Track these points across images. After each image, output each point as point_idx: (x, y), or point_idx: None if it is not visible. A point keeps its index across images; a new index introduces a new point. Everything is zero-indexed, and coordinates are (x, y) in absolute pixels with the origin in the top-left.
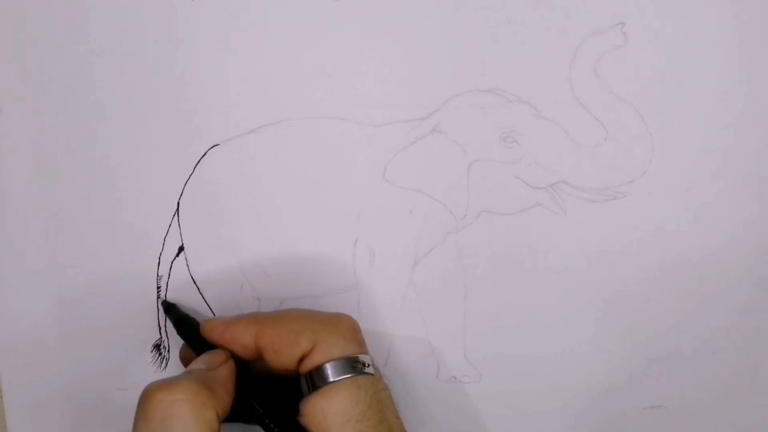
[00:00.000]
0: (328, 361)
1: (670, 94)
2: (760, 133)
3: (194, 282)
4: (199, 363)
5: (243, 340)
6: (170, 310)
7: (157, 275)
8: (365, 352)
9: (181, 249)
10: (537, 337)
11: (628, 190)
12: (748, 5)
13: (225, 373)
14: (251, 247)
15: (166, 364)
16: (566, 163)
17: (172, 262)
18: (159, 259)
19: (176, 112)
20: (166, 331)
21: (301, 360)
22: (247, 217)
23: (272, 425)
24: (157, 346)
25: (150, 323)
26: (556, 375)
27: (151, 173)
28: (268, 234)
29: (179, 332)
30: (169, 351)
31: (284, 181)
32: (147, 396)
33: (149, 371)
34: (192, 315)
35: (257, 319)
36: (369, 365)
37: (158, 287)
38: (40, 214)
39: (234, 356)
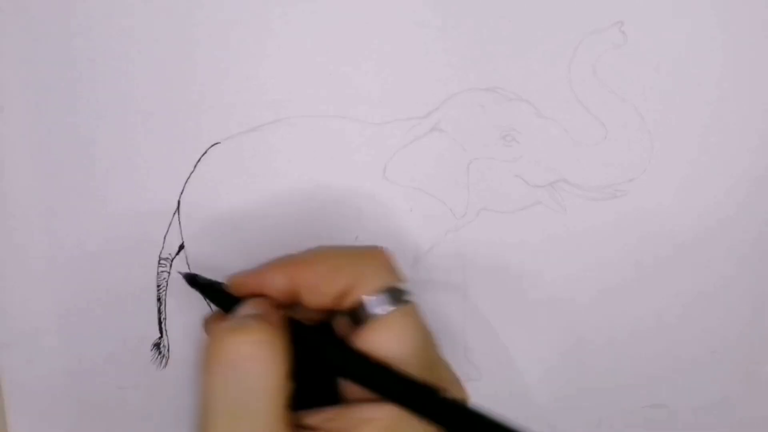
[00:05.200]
0: (373, 294)
1: (670, 92)
2: (760, 132)
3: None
4: (248, 309)
5: (278, 286)
6: (194, 281)
7: (158, 273)
8: (404, 281)
9: (181, 247)
10: (537, 335)
11: (627, 188)
12: (747, 4)
13: (280, 317)
14: (252, 245)
15: (166, 362)
16: (566, 161)
17: (172, 260)
18: (159, 257)
19: (176, 111)
20: (165, 329)
21: (339, 297)
22: (247, 215)
23: (344, 361)
24: (156, 345)
25: (150, 322)
26: (556, 374)
27: (152, 171)
28: (268, 232)
29: (212, 300)
30: (168, 350)
31: (284, 180)
32: (218, 340)
33: (149, 370)
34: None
35: (290, 260)
36: (409, 292)
37: (158, 285)
38: (40, 212)
39: None
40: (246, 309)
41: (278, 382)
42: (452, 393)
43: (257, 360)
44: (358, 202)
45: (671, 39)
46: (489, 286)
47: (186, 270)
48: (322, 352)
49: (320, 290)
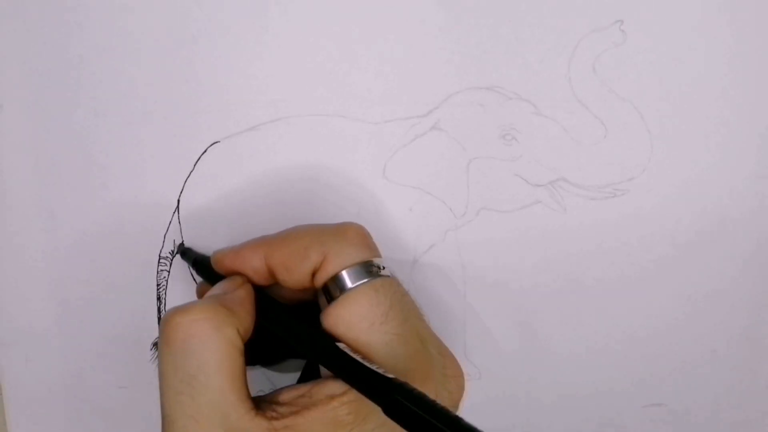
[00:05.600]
0: (341, 270)
1: (669, 91)
2: (759, 131)
3: (194, 279)
4: (216, 290)
5: (253, 264)
6: (186, 253)
7: (158, 272)
8: (378, 256)
9: (181, 246)
10: (536, 335)
11: (627, 187)
12: (747, 2)
13: (242, 294)
14: None
15: None
16: (566, 160)
17: (171, 259)
18: (159, 256)
19: (176, 110)
20: None
21: (315, 275)
22: (246, 215)
23: (298, 338)
24: (156, 344)
25: (150, 321)
26: (556, 373)
27: (151, 170)
28: (267, 231)
29: (198, 272)
30: None
31: (284, 179)
32: (166, 322)
33: (149, 369)
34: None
35: (265, 241)
36: (384, 268)
37: (158, 284)
38: (39, 211)
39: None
40: (212, 290)
41: (225, 357)
42: (440, 369)
43: (200, 336)
44: (358, 201)
45: (671, 37)
46: (489, 285)
47: (184, 245)
48: (280, 330)
49: (293, 268)
